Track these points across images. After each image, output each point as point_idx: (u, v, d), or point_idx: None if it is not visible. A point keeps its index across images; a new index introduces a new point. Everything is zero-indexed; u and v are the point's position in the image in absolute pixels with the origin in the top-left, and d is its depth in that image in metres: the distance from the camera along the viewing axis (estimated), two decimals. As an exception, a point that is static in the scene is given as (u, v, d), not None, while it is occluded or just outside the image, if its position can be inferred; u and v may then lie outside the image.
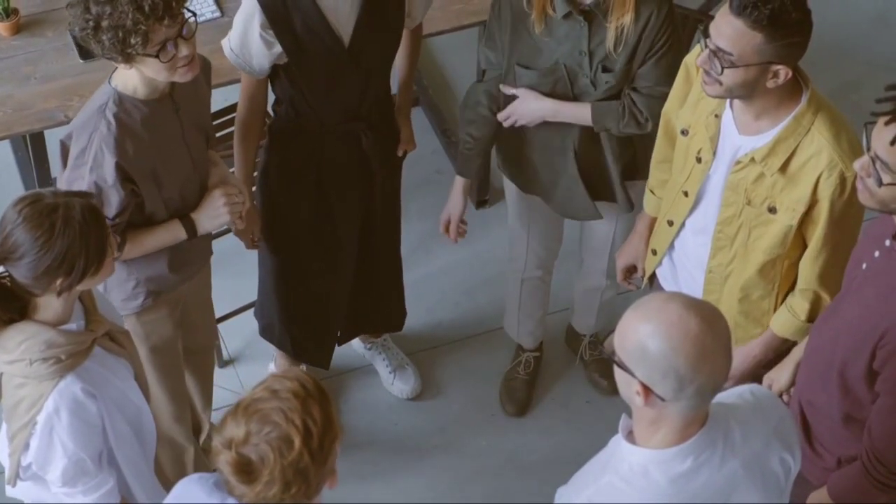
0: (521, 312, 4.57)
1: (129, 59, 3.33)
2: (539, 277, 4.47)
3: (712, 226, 3.55)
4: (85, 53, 4.44)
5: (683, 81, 3.62)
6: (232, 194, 3.62)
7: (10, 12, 4.47)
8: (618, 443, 2.71)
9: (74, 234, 2.96)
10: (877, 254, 3.10)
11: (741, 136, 3.40)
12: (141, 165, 3.46)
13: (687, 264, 3.70)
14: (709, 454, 2.66)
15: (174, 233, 3.60)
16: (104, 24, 3.26)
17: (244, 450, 2.48)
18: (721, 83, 3.26)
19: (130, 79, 3.44)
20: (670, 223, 3.68)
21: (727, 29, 3.22)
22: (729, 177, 3.44)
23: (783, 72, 3.24)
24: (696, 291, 3.68)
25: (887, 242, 3.05)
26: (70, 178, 3.46)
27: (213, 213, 3.62)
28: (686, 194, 3.58)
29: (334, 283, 4.25)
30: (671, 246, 3.73)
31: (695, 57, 3.52)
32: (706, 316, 2.54)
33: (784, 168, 3.34)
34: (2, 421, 3.29)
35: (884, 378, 3.09)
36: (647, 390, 2.57)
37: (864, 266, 3.14)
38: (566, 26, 3.74)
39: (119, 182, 3.42)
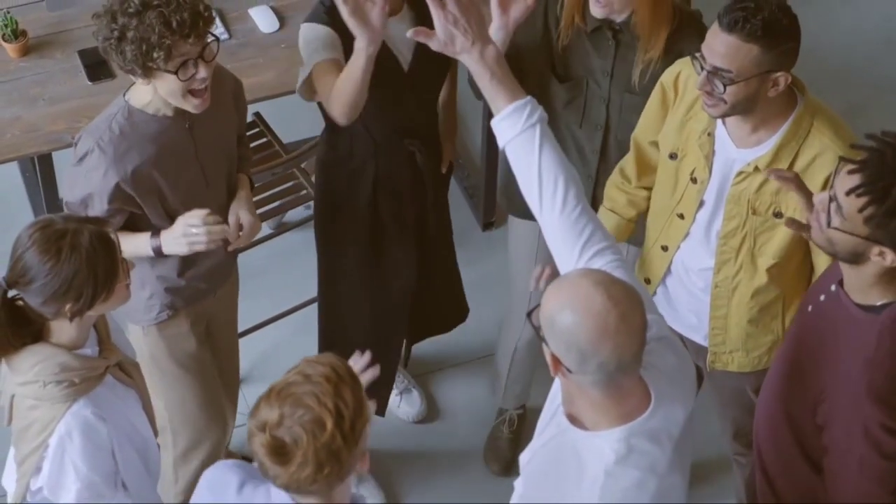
0: (510, 380, 4.49)
1: (148, 72, 3.35)
2: (532, 342, 4.38)
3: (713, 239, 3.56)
4: (93, 75, 4.44)
5: (659, 105, 3.60)
6: (192, 225, 3.51)
7: (18, 34, 4.48)
8: (574, 437, 2.75)
9: (81, 261, 2.98)
10: (822, 297, 3.10)
11: (738, 149, 3.41)
12: (141, 180, 3.47)
13: (690, 286, 3.70)
14: (668, 407, 2.75)
15: (143, 245, 3.55)
16: (129, 35, 3.28)
17: (278, 432, 2.53)
18: (726, 101, 3.28)
19: (145, 94, 3.46)
20: (664, 248, 3.67)
21: (721, 47, 3.23)
22: (730, 189, 3.45)
23: (783, 78, 3.27)
24: (701, 312, 3.69)
25: (833, 287, 3.06)
26: (70, 178, 3.49)
27: (173, 240, 3.55)
28: (682, 216, 3.58)
29: (393, 306, 4.23)
30: (668, 272, 3.72)
31: (672, 78, 3.54)
32: (613, 295, 2.60)
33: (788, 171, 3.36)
34: (9, 446, 3.29)
35: (829, 438, 3.07)
36: (555, 360, 2.67)
37: (809, 308, 3.15)
38: (594, 41, 3.73)
39: (109, 193, 3.43)
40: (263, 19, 4.69)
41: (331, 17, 3.70)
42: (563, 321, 2.62)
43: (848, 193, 2.84)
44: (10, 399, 3.16)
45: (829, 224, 2.90)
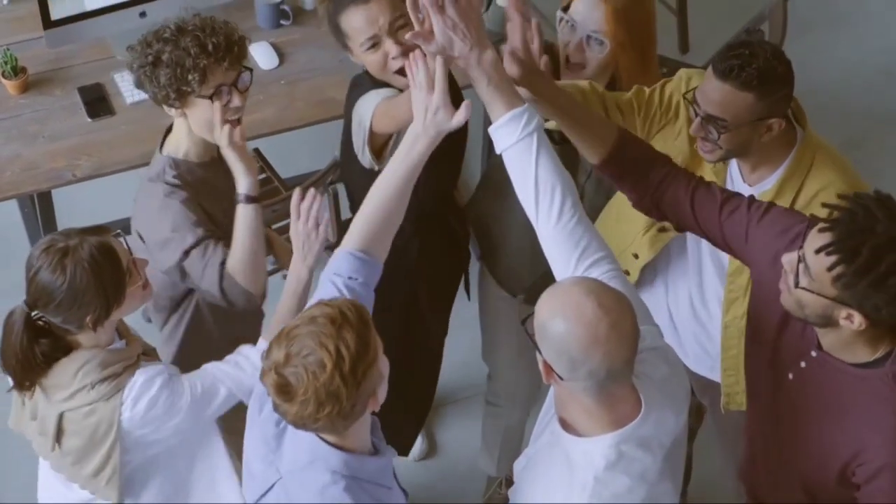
0: (502, 452, 4.43)
1: (182, 97, 3.35)
2: (523, 420, 4.34)
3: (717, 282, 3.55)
4: (93, 112, 4.43)
5: (654, 106, 3.51)
6: None
7: (18, 70, 4.47)
8: (566, 443, 2.77)
9: (86, 274, 3.05)
10: (803, 364, 3.07)
11: (744, 183, 3.41)
12: (203, 220, 3.47)
13: (703, 321, 3.69)
14: (659, 414, 2.77)
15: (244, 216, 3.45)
16: (164, 58, 3.30)
17: (284, 371, 2.63)
18: (721, 147, 3.27)
19: (181, 143, 3.46)
20: (636, 256, 3.65)
21: (715, 94, 3.20)
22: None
23: (776, 124, 3.26)
24: (707, 346, 3.68)
25: (814, 353, 3.03)
26: (159, 260, 3.46)
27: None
28: (665, 230, 3.53)
29: (427, 379, 4.22)
30: (677, 308, 3.70)
31: (680, 96, 3.48)
32: (604, 303, 2.64)
33: (792, 206, 3.35)
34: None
35: (877, 488, 3.01)
36: (547, 367, 2.70)
37: (790, 376, 3.11)
38: None
39: (203, 225, 3.42)
40: (263, 56, 4.69)
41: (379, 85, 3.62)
42: (555, 328, 2.65)
43: (817, 252, 2.81)
44: (57, 421, 3.20)
45: (796, 284, 2.87)
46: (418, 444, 4.66)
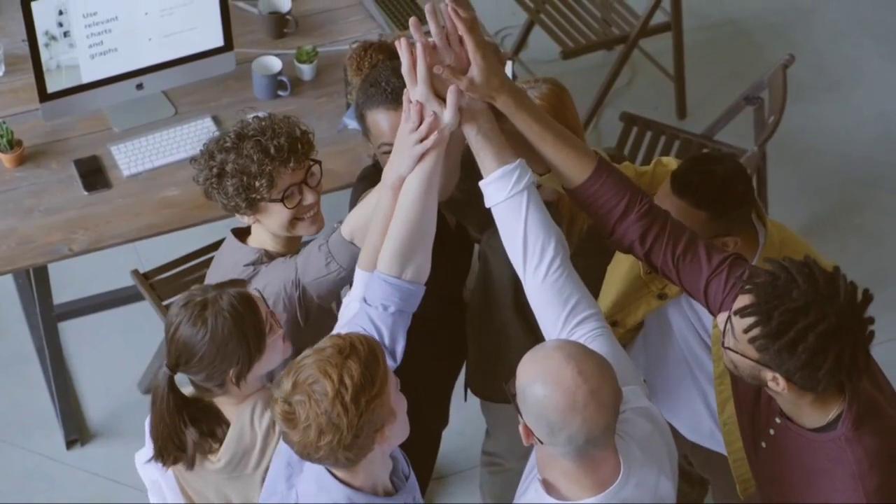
0: None
1: (252, 205, 3.31)
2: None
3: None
4: (89, 185, 4.41)
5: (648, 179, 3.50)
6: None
7: (13, 144, 4.44)
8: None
9: (228, 325, 3.03)
10: (772, 432, 3.07)
11: None
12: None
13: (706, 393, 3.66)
14: (641, 474, 2.76)
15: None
16: (228, 168, 3.26)
17: (291, 399, 2.69)
18: None
19: (266, 242, 3.42)
20: (614, 324, 3.62)
21: (669, 208, 3.14)
22: (713, 332, 3.42)
23: (731, 242, 3.23)
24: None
25: (777, 420, 3.03)
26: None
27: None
28: (663, 297, 3.50)
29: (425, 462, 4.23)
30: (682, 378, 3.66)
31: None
32: (584, 370, 2.64)
33: None
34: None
35: None
36: (527, 430, 2.72)
37: (763, 444, 3.11)
38: None
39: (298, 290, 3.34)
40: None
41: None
42: (534, 393, 2.66)
43: (735, 313, 2.83)
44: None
45: (723, 344, 2.89)
46: (419, 519, 4.62)
